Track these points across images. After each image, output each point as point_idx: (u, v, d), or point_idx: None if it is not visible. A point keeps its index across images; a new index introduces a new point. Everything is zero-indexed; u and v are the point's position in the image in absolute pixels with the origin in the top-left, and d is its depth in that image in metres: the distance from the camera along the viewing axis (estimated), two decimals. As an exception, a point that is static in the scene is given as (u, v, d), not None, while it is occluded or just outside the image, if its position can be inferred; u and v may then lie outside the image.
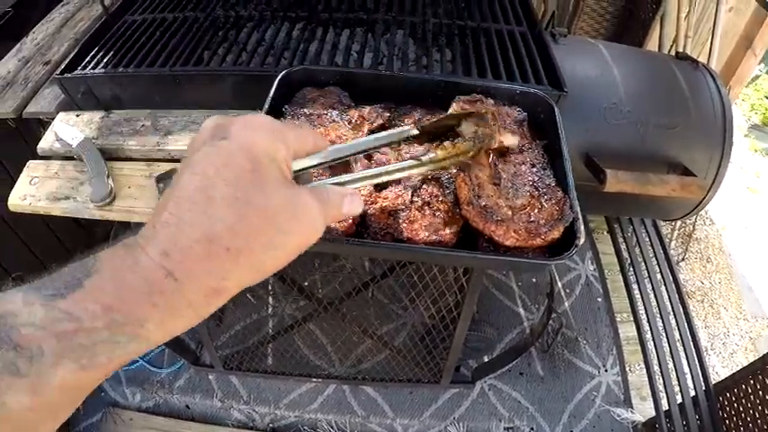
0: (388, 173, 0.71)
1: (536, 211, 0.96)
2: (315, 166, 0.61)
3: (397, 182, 0.99)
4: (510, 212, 0.95)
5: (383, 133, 0.74)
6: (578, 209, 0.94)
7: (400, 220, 0.93)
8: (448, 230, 0.94)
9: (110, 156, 1.31)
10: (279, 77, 1.12)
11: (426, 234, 0.92)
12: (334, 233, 0.91)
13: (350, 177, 0.66)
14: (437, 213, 0.95)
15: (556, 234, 0.92)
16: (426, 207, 0.95)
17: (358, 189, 0.63)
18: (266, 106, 1.07)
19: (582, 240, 0.91)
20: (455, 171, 1.00)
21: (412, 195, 0.96)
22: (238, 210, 0.43)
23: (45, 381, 0.35)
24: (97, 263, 0.41)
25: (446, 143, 0.78)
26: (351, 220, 0.92)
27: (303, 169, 0.59)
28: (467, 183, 0.94)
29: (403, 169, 0.73)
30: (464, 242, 0.96)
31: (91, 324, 0.38)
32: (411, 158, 0.76)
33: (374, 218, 0.94)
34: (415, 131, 0.77)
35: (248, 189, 0.44)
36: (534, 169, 1.04)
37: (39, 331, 0.36)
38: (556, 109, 1.10)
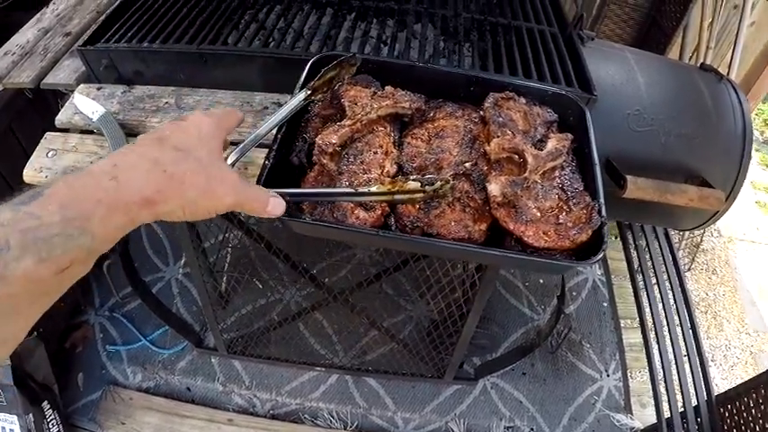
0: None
1: (564, 213, 0.96)
2: (238, 159, 0.86)
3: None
4: (538, 213, 0.95)
5: (283, 108, 0.96)
6: (605, 214, 0.94)
7: (431, 215, 0.93)
8: (477, 227, 0.93)
9: (130, 132, 1.30)
10: (311, 62, 1.11)
11: (456, 230, 0.91)
12: (362, 224, 0.90)
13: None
14: (467, 210, 0.95)
15: (584, 237, 0.92)
16: (457, 203, 0.95)
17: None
18: (297, 90, 1.07)
19: (608, 245, 0.91)
20: (486, 168, 1.00)
21: (443, 190, 0.96)
22: (182, 154, 0.59)
23: (11, 272, 0.43)
24: (57, 180, 0.50)
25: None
26: (380, 212, 0.92)
27: (233, 163, 0.82)
28: (499, 182, 0.93)
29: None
30: (488, 239, 0.95)
31: (49, 220, 0.46)
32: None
33: (404, 210, 0.93)
34: (308, 92, 1.00)
35: (193, 145, 0.61)
36: (563, 172, 1.03)
37: (5, 229, 0.43)
38: (587, 113, 1.09)
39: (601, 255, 0.89)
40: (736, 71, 2.11)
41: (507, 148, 0.97)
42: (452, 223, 0.92)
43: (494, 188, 0.92)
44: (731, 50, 2.12)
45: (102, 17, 1.47)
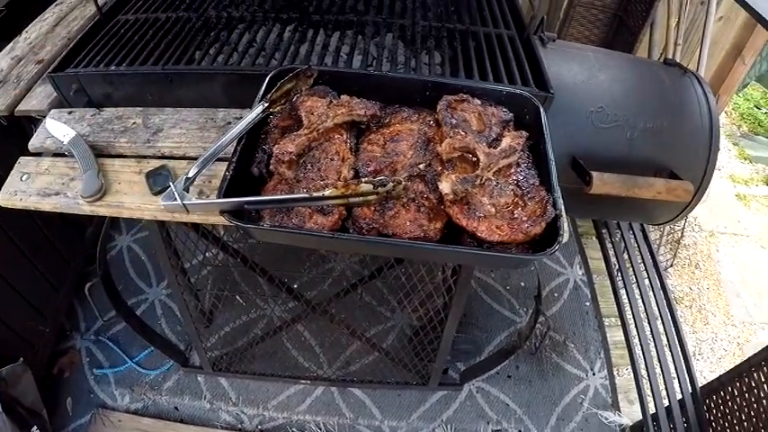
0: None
1: (519, 208, 0.98)
2: (199, 171, 0.97)
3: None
4: (493, 210, 0.96)
5: (242, 121, 1.04)
6: (562, 207, 0.96)
7: (386, 216, 0.94)
8: (433, 226, 0.95)
9: (100, 152, 1.32)
10: (269, 76, 1.14)
11: (411, 229, 0.93)
12: (320, 228, 0.93)
13: None
14: (422, 209, 0.96)
15: (538, 230, 0.94)
16: (412, 203, 0.97)
17: None
18: (256, 104, 1.09)
19: (565, 238, 0.93)
20: (440, 169, 1.02)
21: (397, 191, 0.98)
22: None
23: None
24: None
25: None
26: (337, 215, 0.94)
27: (194, 176, 0.93)
28: (449, 180, 0.95)
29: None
30: (450, 239, 0.97)
31: None
32: None
33: (360, 213, 0.95)
34: (266, 104, 1.08)
35: None
36: (519, 169, 1.05)
37: None
38: (542, 110, 1.12)
39: (557, 247, 0.90)
40: (705, 66, 2.13)
41: (458, 148, 0.99)
42: (407, 223, 0.94)
43: (444, 186, 0.94)
44: (699, 46, 2.14)
45: (72, 43, 1.49)
